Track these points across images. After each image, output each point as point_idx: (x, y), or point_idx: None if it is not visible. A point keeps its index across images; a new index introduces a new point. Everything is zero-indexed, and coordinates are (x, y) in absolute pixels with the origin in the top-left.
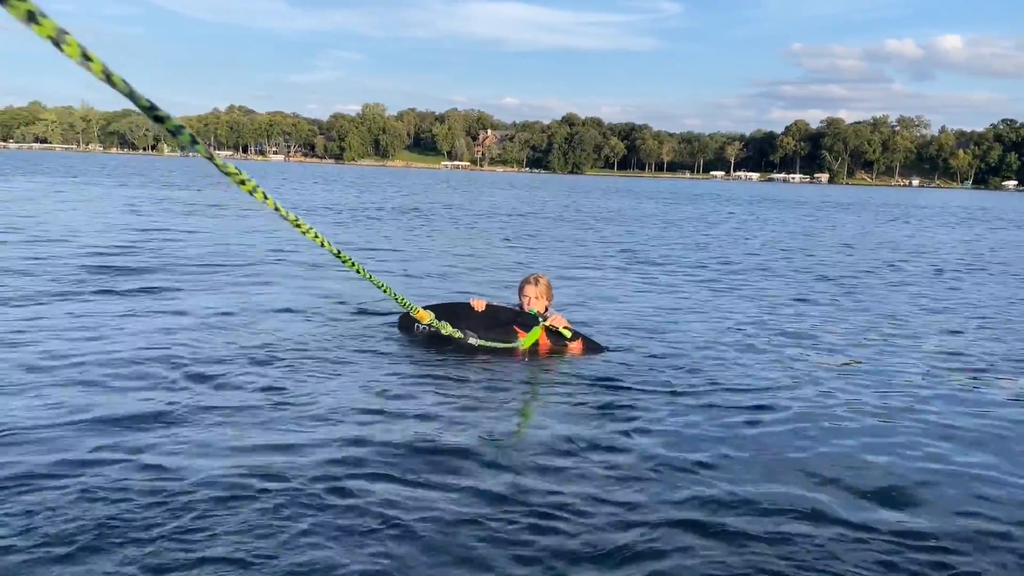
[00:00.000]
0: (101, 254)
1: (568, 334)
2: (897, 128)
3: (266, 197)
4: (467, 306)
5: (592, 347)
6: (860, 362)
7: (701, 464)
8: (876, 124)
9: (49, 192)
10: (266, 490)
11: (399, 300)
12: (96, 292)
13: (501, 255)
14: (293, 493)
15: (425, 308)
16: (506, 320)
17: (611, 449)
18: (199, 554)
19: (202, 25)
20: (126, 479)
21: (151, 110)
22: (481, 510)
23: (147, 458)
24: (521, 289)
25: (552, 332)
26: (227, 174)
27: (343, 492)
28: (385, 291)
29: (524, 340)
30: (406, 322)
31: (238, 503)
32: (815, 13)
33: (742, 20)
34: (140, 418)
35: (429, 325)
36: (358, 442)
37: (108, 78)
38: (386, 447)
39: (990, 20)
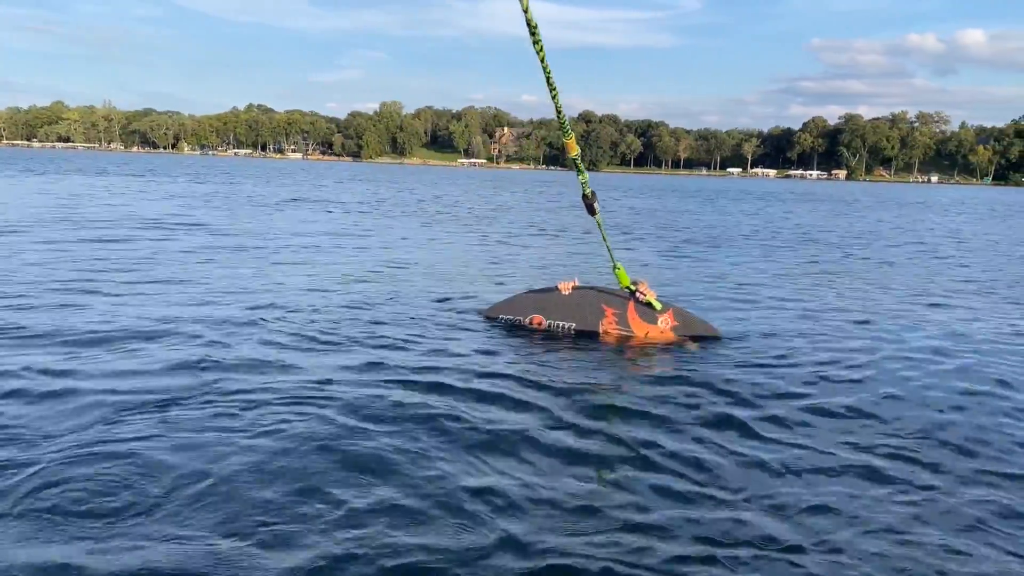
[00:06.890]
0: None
1: (659, 306)
2: (916, 124)
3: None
4: (555, 290)
5: (683, 317)
6: None
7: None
8: (895, 120)
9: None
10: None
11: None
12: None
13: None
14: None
15: (526, 293)
16: (593, 299)
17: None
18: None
19: (229, 25)
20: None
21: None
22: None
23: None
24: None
25: (641, 302)
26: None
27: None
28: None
29: (621, 276)
30: (491, 312)
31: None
32: (840, 8)
33: (764, 16)
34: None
35: (626, 287)
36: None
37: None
38: (461, 426)
39: (1015, 14)
